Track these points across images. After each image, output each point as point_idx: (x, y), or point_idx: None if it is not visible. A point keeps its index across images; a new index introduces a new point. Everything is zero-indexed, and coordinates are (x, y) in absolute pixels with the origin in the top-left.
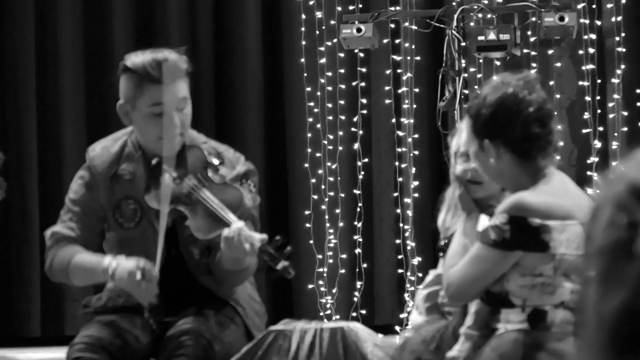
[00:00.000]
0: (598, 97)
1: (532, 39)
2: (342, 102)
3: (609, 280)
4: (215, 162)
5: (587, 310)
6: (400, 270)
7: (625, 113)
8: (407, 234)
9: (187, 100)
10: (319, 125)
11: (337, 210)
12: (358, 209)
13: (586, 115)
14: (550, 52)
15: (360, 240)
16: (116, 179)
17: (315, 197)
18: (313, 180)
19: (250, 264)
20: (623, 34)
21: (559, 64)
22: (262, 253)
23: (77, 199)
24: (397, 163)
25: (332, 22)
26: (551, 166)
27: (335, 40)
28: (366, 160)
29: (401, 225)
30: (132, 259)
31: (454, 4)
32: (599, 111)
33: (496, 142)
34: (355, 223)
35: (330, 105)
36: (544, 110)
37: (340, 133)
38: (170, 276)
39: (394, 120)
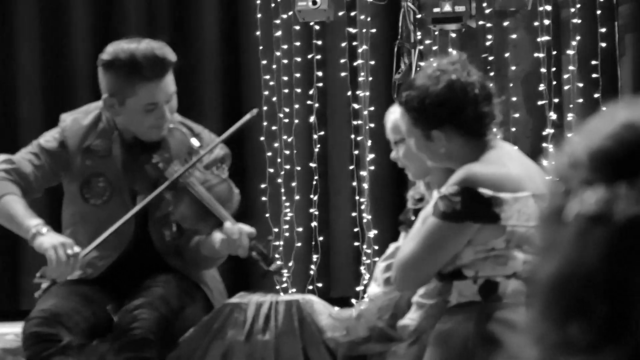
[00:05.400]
0: (553, 69)
1: (487, 11)
2: (297, 75)
3: (546, 249)
4: (196, 143)
5: (531, 281)
6: (356, 243)
7: (581, 85)
8: (363, 207)
9: (175, 93)
10: (274, 99)
11: (293, 184)
12: (314, 182)
13: (541, 87)
14: (505, 23)
15: (317, 213)
16: (89, 153)
17: (271, 170)
18: (269, 154)
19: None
20: (578, 6)
21: (514, 36)
22: (252, 251)
23: (46, 148)
24: (353, 136)
25: None
26: (496, 139)
27: (290, 13)
28: (322, 133)
29: (357, 198)
30: (61, 236)
31: None
32: (554, 83)
33: (446, 129)
34: (312, 196)
35: (285, 78)
36: (487, 89)
37: (296, 106)
38: (136, 257)
39: (349, 93)
